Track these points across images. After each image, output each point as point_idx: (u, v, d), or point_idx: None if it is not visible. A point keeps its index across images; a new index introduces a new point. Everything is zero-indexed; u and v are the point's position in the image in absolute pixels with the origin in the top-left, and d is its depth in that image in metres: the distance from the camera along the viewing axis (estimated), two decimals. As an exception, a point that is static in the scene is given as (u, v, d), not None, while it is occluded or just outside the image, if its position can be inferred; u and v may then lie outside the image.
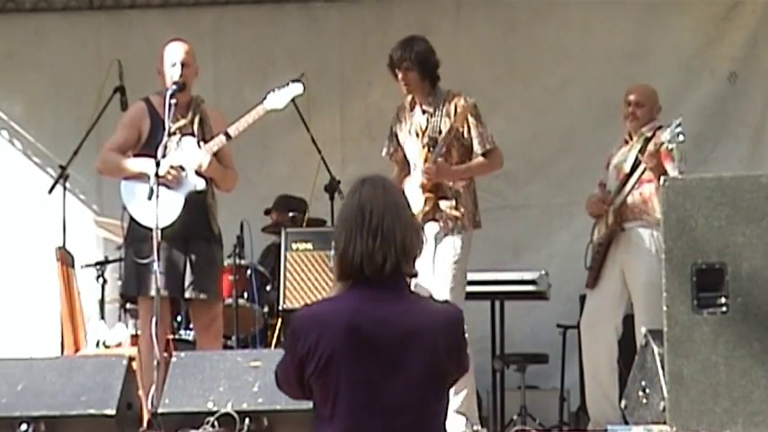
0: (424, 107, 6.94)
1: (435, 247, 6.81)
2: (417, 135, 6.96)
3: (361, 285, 3.75)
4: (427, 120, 6.93)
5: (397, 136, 7.07)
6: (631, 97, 7.41)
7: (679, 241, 5.54)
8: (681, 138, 6.85)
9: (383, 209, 3.75)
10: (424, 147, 6.91)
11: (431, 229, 6.79)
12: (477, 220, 7.00)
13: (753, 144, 9.14)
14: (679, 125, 6.84)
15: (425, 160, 6.87)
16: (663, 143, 6.93)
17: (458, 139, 6.90)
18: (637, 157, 7.20)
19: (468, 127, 6.93)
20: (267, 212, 8.95)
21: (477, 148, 6.92)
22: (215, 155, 6.88)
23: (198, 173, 6.86)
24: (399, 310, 3.73)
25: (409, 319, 3.73)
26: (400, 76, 6.92)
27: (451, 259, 6.80)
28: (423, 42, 6.96)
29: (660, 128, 7.08)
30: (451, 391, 6.53)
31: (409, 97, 6.99)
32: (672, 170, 7.02)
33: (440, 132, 6.88)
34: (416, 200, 6.77)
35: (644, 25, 9.30)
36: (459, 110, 6.89)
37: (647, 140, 7.14)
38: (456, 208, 6.88)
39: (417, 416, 3.70)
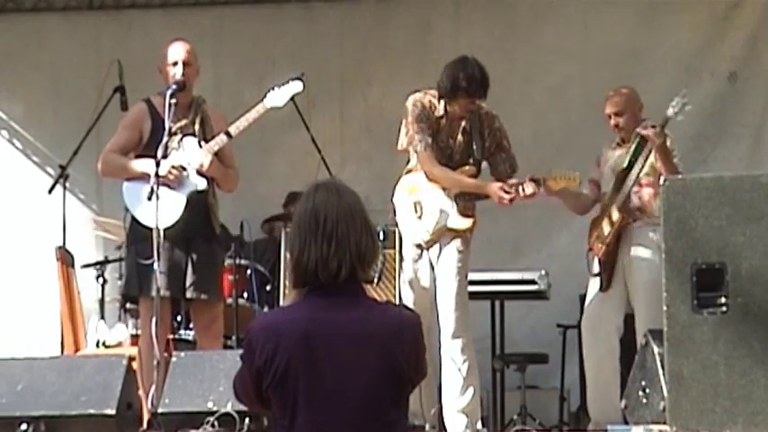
0: (465, 125, 6.86)
1: (445, 254, 6.83)
2: (445, 145, 6.88)
3: (317, 292, 3.71)
4: (465, 139, 6.86)
5: (432, 133, 6.86)
6: (608, 110, 7.35)
7: (679, 241, 5.54)
8: (687, 107, 6.87)
9: (336, 214, 3.70)
10: (458, 164, 6.84)
11: (454, 242, 6.83)
12: None
13: (753, 144, 9.14)
14: (684, 95, 6.84)
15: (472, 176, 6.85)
16: (668, 118, 6.92)
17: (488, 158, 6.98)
18: (631, 159, 7.17)
19: (501, 149, 6.96)
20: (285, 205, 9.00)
21: (505, 174, 6.95)
22: (216, 155, 6.88)
23: (199, 172, 6.87)
24: (355, 317, 3.70)
25: (365, 326, 3.69)
26: (466, 102, 6.75)
27: (466, 269, 6.85)
28: (481, 64, 6.83)
29: (654, 126, 7.05)
30: (457, 390, 6.55)
31: (442, 104, 6.86)
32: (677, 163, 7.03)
33: (488, 153, 6.90)
34: (444, 214, 6.81)
35: (644, 25, 9.30)
36: (498, 133, 6.93)
37: (643, 138, 7.10)
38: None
39: (377, 422, 3.66)
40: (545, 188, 6.90)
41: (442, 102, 6.81)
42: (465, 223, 6.84)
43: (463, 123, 6.87)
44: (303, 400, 3.62)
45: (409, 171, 6.99)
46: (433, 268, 6.83)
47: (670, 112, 6.92)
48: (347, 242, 3.68)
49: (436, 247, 6.82)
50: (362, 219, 3.76)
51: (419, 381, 3.79)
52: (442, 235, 6.82)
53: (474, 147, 6.88)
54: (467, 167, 6.88)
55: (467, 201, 6.87)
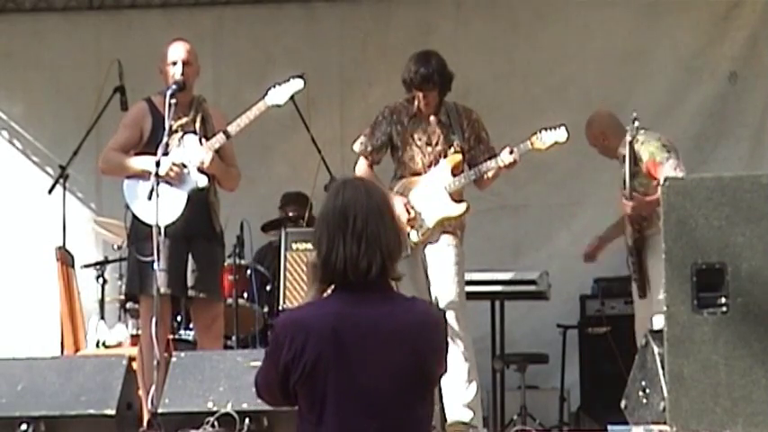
0: (441, 117, 6.97)
1: (440, 252, 6.86)
2: (424, 142, 6.96)
3: (345, 289, 3.72)
4: (443, 131, 6.95)
5: (391, 137, 7.06)
6: (589, 141, 7.55)
7: (679, 241, 5.53)
8: (636, 123, 7.00)
9: (366, 213, 3.70)
10: (439, 155, 6.92)
11: (445, 239, 6.86)
12: None
13: (753, 144, 9.14)
14: (634, 120, 7.00)
15: (456, 167, 6.90)
16: (640, 155, 7.01)
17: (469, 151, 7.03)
18: (625, 179, 7.26)
19: (481, 142, 7.02)
20: (281, 207, 8.99)
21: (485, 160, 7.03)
22: (217, 153, 6.89)
23: (200, 170, 6.87)
24: (384, 313, 3.71)
25: (394, 321, 3.70)
26: (421, 95, 6.91)
27: (463, 267, 6.88)
28: (438, 57, 6.95)
29: (631, 142, 7.14)
30: (461, 385, 6.58)
31: (414, 105, 6.98)
32: (670, 171, 7.02)
33: (468, 145, 6.95)
34: (437, 206, 6.87)
35: (644, 25, 9.30)
36: (476, 125, 7.01)
37: (632, 155, 7.19)
38: (463, 217, 6.96)
39: (405, 417, 3.68)
40: (531, 146, 6.97)
41: (420, 103, 6.96)
42: (459, 209, 6.89)
43: (439, 116, 6.97)
44: (332, 395, 3.63)
45: (401, 177, 7.04)
46: (426, 268, 6.88)
47: (627, 138, 7.08)
48: (377, 241, 3.68)
49: (430, 247, 6.85)
50: (390, 216, 3.78)
51: (442, 376, 3.81)
52: (437, 230, 6.85)
53: (454, 135, 6.93)
54: (454, 155, 6.93)
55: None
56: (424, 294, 6.80)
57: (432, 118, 6.99)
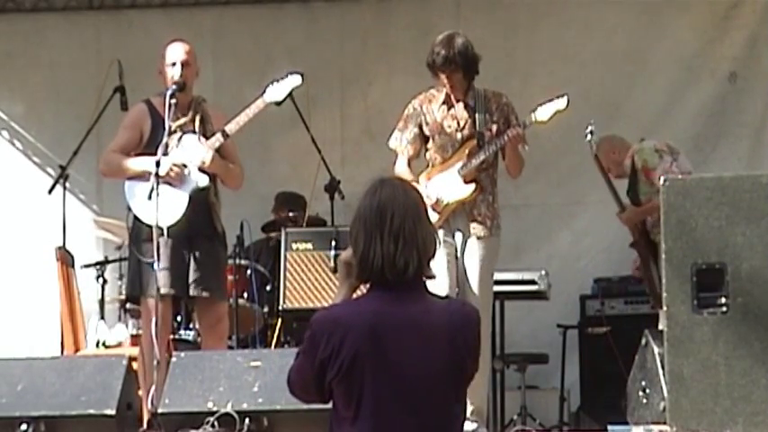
0: (468, 101, 6.91)
1: (469, 247, 6.80)
2: (455, 128, 6.91)
3: (382, 287, 3.73)
4: (470, 114, 6.90)
5: (421, 128, 7.00)
6: (604, 166, 7.74)
7: (679, 241, 5.54)
8: (590, 130, 7.37)
9: (403, 211, 3.71)
10: (466, 140, 6.86)
11: (468, 228, 6.80)
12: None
13: (753, 144, 9.14)
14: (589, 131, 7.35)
15: (471, 151, 6.83)
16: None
17: (498, 136, 6.90)
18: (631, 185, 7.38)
19: (509, 125, 6.90)
20: (275, 208, 8.98)
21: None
22: (218, 152, 6.88)
23: (201, 169, 6.87)
24: (421, 310, 3.72)
25: (431, 319, 3.72)
26: (444, 77, 6.84)
27: (491, 262, 6.83)
28: (462, 39, 6.86)
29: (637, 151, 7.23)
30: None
31: (443, 92, 6.93)
32: (663, 173, 7.07)
33: (488, 129, 6.86)
34: (450, 190, 6.80)
35: (644, 25, 9.30)
36: (506, 108, 6.93)
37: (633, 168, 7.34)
38: (493, 206, 6.90)
39: (441, 415, 3.70)
40: (535, 119, 6.92)
41: (444, 89, 6.87)
42: (467, 190, 6.82)
43: (467, 100, 6.90)
44: (369, 392, 3.64)
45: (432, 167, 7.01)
46: (456, 258, 6.81)
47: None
48: (414, 240, 3.70)
49: (467, 242, 6.80)
50: (426, 216, 3.79)
51: (474, 374, 3.82)
52: (456, 215, 6.80)
53: (476, 120, 6.89)
54: (468, 142, 6.89)
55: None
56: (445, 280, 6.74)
57: (459, 104, 6.92)
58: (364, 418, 3.64)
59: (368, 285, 3.78)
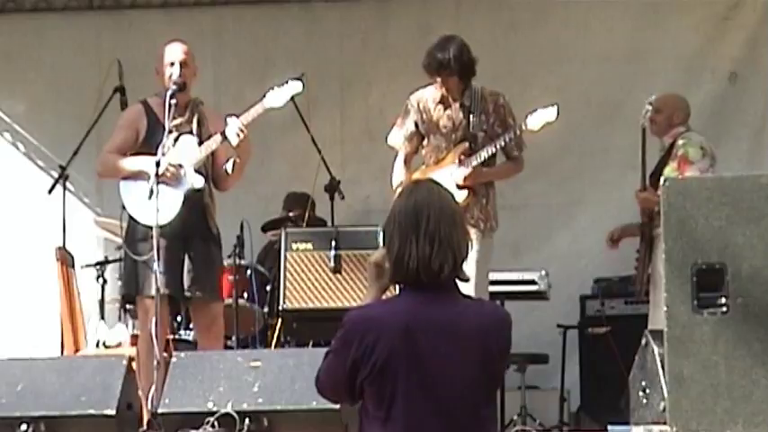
0: (464, 102, 6.92)
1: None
2: (450, 129, 6.91)
3: (415, 289, 3.73)
4: (465, 115, 6.91)
5: (417, 126, 7.01)
6: (649, 106, 7.47)
7: (679, 241, 5.53)
8: (649, 107, 7.12)
9: (439, 214, 3.73)
10: (459, 141, 6.86)
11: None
12: (497, 222, 7.02)
13: (753, 144, 9.14)
14: (650, 103, 7.10)
15: (463, 154, 6.85)
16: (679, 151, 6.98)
17: (492, 138, 6.94)
18: (658, 167, 7.24)
19: (506, 128, 6.93)
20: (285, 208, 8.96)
21: (512, 151, 6.98)
22: (213, 154, 6.88)
23: (197, 171, 6.86)
24: (455, 312, 3.74)
25: (465, 321, 3.73)
26: (439, 80, 6.87)
27: (486, 263, 6.83)
28: (457, 44, 6.89)
29: (683, 133, 7.10)
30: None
31: (440, 92, 6.94)
32: (695, 173, 7.04)
33: (483, 130, 6.87)
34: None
35: (644, 25, 9.30)
36: (502, 110, 6.94)
37: (670, 149, 7.20)
38: (486, 209, 6.89)
39: (473, 417, 3.70)
40: (525, 127, 6.93)
41: (442, 88, 6.89)
42: (459, 197, 6.82)
43: (462, 101, 6.91)
44: (402, 393, 3.64)
45: (426, 166, 7.01)
46: None
47: (642, 118, 7.13)
48: (449, 242, 3.71)
49: None
50: (461, 218, 3.82)
51: (503, 378, 3.84)
52: None
53: (470, 121, 6.88)
54: (461, 144, 6.89)
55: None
56: None
57: (455, 104, 6.94)
58: (396, 418, 3.65)
59: (398, 287, 3.79)
